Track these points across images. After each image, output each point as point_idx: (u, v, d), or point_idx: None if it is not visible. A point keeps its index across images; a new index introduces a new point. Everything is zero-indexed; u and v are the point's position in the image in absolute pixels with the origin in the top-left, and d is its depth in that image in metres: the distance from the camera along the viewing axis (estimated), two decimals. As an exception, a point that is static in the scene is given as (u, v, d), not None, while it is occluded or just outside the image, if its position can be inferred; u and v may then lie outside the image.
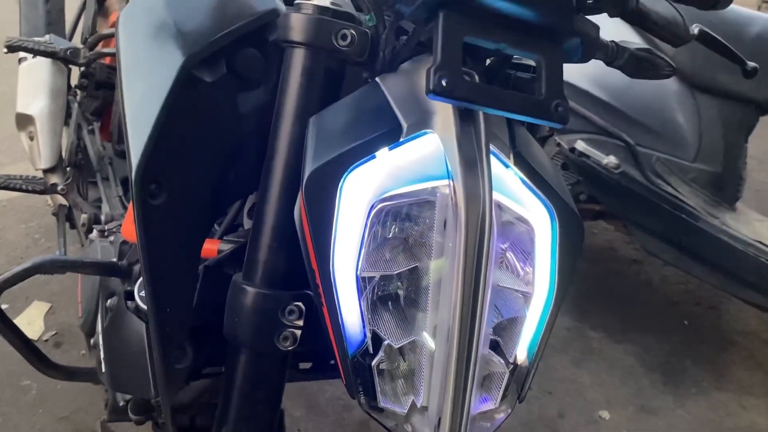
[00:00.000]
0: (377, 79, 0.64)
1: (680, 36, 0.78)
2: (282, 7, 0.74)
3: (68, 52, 1.51)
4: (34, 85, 1.56)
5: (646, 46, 0.71)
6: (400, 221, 0.59)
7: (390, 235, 0.58)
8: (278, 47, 0.76)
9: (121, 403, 1.11)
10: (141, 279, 0.79)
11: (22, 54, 1.61)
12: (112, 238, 1.19)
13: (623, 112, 1.94)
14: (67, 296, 1.81)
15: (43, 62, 1.57)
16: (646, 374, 1.96)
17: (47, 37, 1.58)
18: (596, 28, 0.65)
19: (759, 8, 5.49)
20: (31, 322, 1.75)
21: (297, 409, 1.62)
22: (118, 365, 0.84)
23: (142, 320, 0.78)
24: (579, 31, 0.63)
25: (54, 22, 1.68)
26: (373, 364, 0.58)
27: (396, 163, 0.59)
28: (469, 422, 0.58)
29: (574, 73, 1.96)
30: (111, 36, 1.50)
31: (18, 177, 1.44)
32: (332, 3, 0.64)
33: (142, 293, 0.78)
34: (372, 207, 0.57)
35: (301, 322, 0.65)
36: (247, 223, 0.85)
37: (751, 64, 0.88)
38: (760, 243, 1.85)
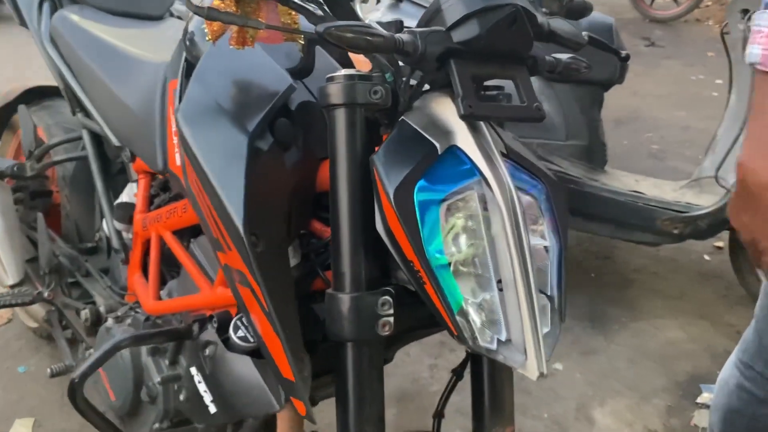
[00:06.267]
0: (403, 117, 0.85)
1: (579, 43, 1.06)
2: (292, 81, 0.93)
3: (15, 169, 1.57)
4: (-19, 209, 1.60)
5: (571, 55, 0.98)
6: (455, 211, 0.80)
7: (454, 225, 0.79)
8: (300, 113, 0.96)
9: None
10: (233, 322, 0.93)
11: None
12: (129, 320, 1.29)
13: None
14: (46, 405, 1.82)
15: (-17, 185, 1.62)
16: (578, 324, 2.28)
17: (-19, 160, 1.63)
18: (543, 51, 0.90)
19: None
20: (21, 439, 1.75)
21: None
22: (230, 399, 0.96)
23: (247, 354, 0.92)
24: (534, 55, 0.88)
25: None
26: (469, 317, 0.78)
27: (440, 173, 0.80)
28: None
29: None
30: (58, 144, 1.57)
31: (6, 294, 1.47)
32: (356, 71, 0.85)
33: (239, 334, 0.93)
34: (440, 204, 0.78)
35: (392, 311, 0.84)
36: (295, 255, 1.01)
37: (624, 52, 1.18)
38: (636, 192, 2.24)
